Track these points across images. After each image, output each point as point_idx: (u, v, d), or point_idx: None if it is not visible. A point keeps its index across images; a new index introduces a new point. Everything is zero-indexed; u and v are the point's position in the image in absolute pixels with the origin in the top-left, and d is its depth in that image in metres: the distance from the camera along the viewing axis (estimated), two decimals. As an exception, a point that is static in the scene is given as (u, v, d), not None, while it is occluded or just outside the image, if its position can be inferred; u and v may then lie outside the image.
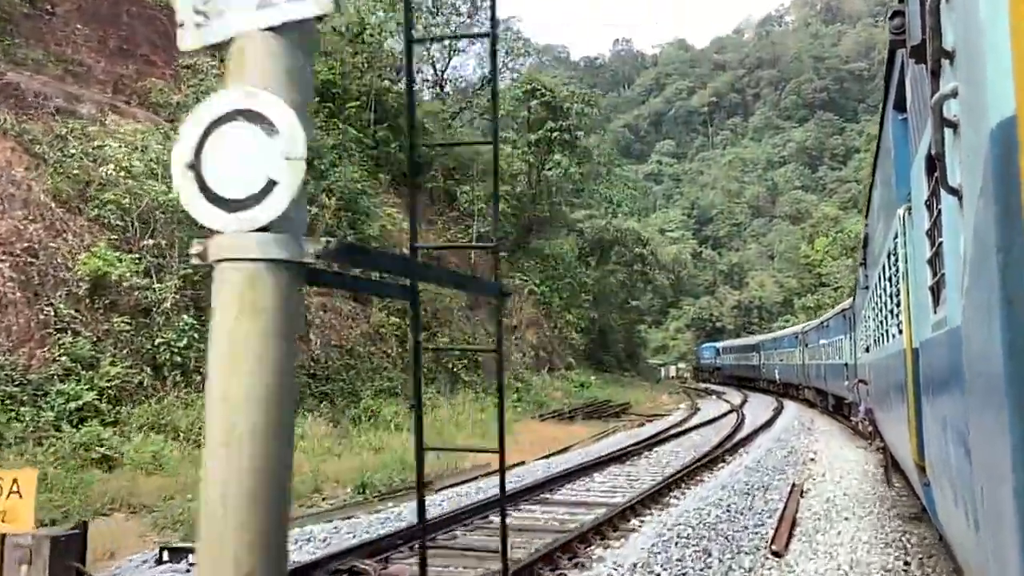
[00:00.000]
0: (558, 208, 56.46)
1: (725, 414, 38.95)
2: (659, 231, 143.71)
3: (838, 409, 32.86)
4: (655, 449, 23.97)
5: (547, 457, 22.36)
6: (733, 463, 20.62)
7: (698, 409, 44.60)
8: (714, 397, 57.96)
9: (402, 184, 45.49)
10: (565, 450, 24.59)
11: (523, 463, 21.46)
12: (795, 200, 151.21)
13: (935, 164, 3.67)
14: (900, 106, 7.07)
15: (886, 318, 9.43)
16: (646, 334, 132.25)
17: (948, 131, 3.36)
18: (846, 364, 26.49)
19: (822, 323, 35.25)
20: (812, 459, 23.52)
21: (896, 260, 7.45)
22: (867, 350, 15.77)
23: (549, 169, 52.94)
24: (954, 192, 3.29)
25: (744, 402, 48.58)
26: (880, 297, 10.19)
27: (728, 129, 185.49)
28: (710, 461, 20.48)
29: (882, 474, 17.58)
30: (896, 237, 7.29)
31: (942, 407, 4.55)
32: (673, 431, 29.76)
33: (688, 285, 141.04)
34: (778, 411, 40.09)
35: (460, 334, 35.99)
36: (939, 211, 4.25)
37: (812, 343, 38.24)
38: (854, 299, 23.13)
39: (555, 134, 53.08)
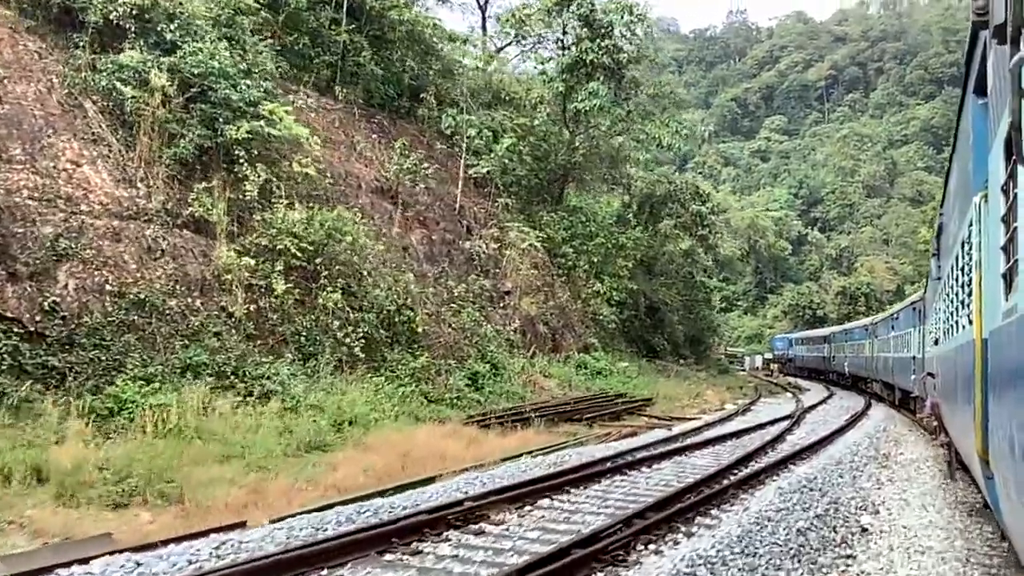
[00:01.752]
0: (596, 151, 44.30)
1: (775, 421, 26.93)
2: (763, 210, 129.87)
3: (904, 403, 30.33)
4: (564, 495, 12.37)
5: (292, 518, 10.89)
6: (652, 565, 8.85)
7: (748, 411, 32.47)
8: (789, 395, 45.28)
9: (374, 105, 34.58)
10: (396, 491, 13.10)
11: (240, 525, 10.23)
12: (916, 181, 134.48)
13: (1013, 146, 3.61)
14: (980, 91, 6.42)
15: (957, 309, 8.97)
16: (739, 319, 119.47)
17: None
18: (914, 357, 24.35)
19: (892, 315, 32.76)
20: (864, 530, 12.04)
21: (970, 249, 7.00)
22: (936, 342, 14.66)
23: (581, 100, 40.91)
24: None
25: (818, 404, 36.43)
26: (952, 288, 9.77)
27: (846, 105, 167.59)
28: (616, 549, 8.89)
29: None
30: (971, 225, 6.84)
31: (1009, 397, 4.41)
32: (662, 448, 18.18)
33: (793, 270, 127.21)
34: (854, 421, 27.98)
35: (380, 292, 24.68)
36: (1015, 195, 4.14)
37: (881, 335, 35.26)
38: (925, 291, 21.69)
39: (592, 56, 41.03)
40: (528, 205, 40.74)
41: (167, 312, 18.53)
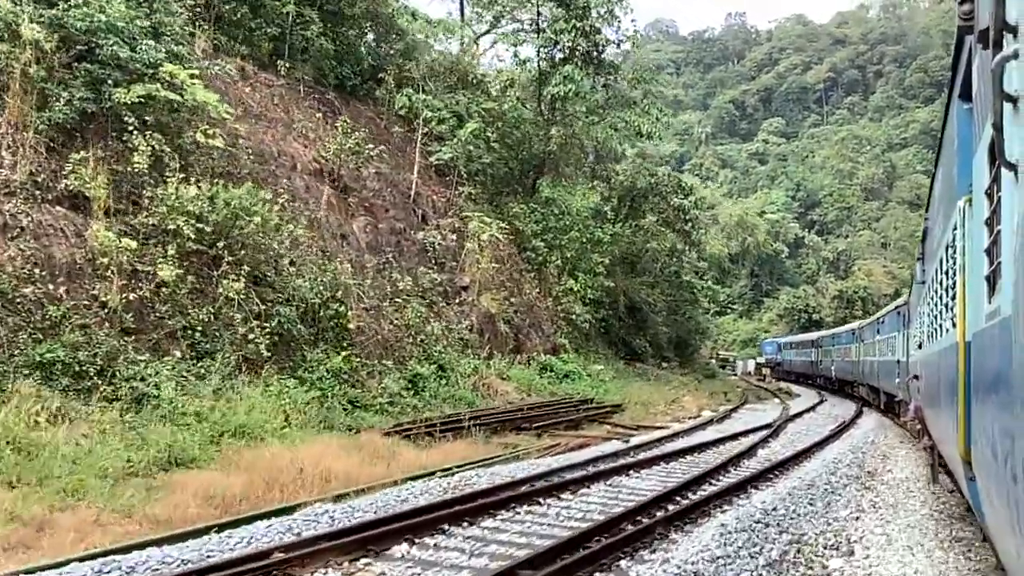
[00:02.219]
0: (574, 140, 41.21)
1: (751, 431, 24.03)
2: (758, 213, 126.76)
3: (889, 407, 29.79)
4: (434, 537, 9.28)
5: None
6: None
7: (726, 419, 29.46)
8: (776, 402, 42.21)
9: (326, 84, 31.60)
10: (224, 527, 10.00)
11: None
12: (915, 185, 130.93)
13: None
14: (966, 96, 6.39)
15: (941, 312, 8.98)
16: (733, 323, 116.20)
17: (1008, 106, 3.38)
18: (898, 361, 23.98)
19: (877, 319, 32.23)
20: (824, 584, 9.02)
21: (954, 252, 6.93)
22: (920, 346, 14.56)
23: (555, 85, 37.88)
24: (1012, 168, 3.34)
25: (806, 412, 33.65)
26: (936, 292, 9.81)
27: (845, 108, 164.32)
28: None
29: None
30: (955, 229, 6.77)
31: (991, 398, 4.43)
32: (605, 465, 15.22)
33: (789, 273, 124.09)
34: (841, 431, 25.27)
35: (303, 283, 21.57)
36: (999, 198, 4.17)
37: (868, 340, 34.86)
38: (909, 295, 21.13)
39: (567, 37, 38.03)
40: (496, 196, 37.66)
41: (18, 300, 15.45)
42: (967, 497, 7.42)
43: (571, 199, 38.91)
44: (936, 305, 9.82)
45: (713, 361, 71.85)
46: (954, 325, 6.88)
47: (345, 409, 20.15)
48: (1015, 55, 3.13)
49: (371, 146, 27.72)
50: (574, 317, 37.19)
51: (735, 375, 75.10)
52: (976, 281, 5.31)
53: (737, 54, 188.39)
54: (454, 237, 31.25)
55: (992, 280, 4.49)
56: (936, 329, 9.92)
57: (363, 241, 26.58)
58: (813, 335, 61.41)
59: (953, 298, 7.12)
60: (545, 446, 19.90)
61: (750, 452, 18.66)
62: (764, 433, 22.92)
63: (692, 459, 17.50)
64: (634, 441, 20.87)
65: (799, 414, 32.15)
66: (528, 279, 36.24)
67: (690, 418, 29.50)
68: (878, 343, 30.49)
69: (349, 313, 22.59)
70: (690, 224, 44.61)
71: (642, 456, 17.24)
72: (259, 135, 25.45)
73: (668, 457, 17.27)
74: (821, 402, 40.94)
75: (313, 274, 22.09)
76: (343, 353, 21.82)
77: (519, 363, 30.45)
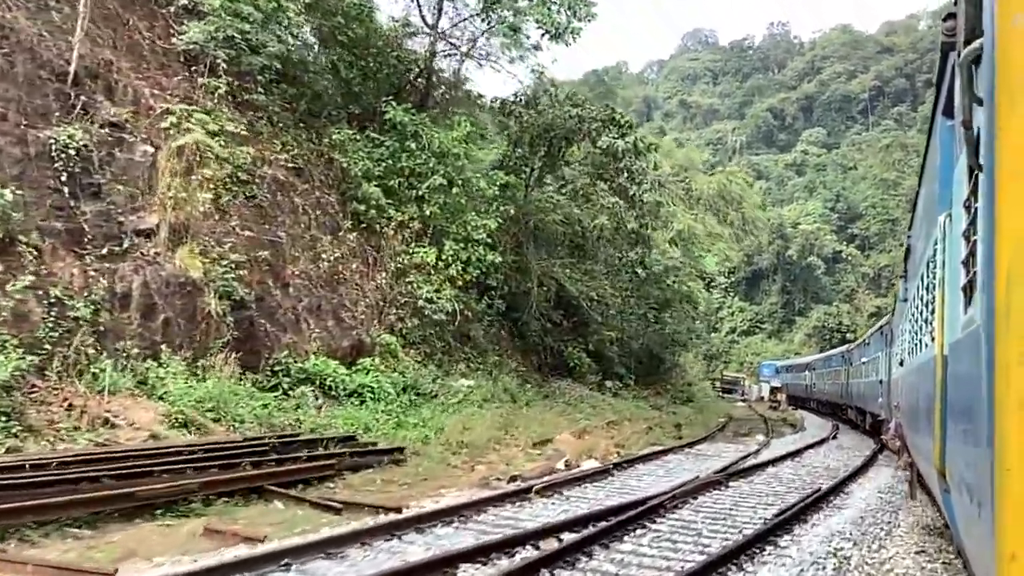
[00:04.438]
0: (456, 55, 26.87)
1: (568, 524, 9.39)
2: (791, 225, 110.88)
3: (875, 429, 25.64)
4: None
5: None
6: None
7: (596, 477, 14.94)
8: (760, 439, 27.24)
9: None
10: None
11: None
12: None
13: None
14: (948, 112, 6.13)
15: (920, 328, 8.87)
16: (762, 343, 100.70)
17: (978, 109, 3.34)
18: (880, 381, 22.61)
19: (863, 341, 29.93)
20: None
21: (934, 267, 6.76)
22: (901, 363, 14.19)
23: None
24: (982, 167, 3.31)
25: (781, 459, 19.31)
26: (916, 308, 9.64)
27: (891, 118, 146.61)
28: None
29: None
30: (935, 244, 6.64)
31: (965, 407, 4.28)
32: None
33: (825, 290, 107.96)
34: (806, 507, 10.57)
35: None
36: (976, 210, 4.07)
37: (855, 362, 31.32)
38: (892, 314, 20.53)
39: None
40: (311, 117, 23.56)
41: None
42: (942, 508, 7.17)
43: (438, 132, 24.57)
44: (917, 321, 9.45)
45: (702, 383, 56.37)
46: (933, 340, 6.68)
47: None
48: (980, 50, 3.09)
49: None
50: (422, 304, 22.79)
51: (744, 401, 59.68)
52: (954, 293, 5.11)
53: (778, 63, 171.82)
54: (150, 149, 17.20)
55: (969, 290, 4.37)
56: (916, 344, 9.56)
57: None
58: (808, 358, 57.69)
59: (932, 312, 6.87)
60: None
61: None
62: (551, 548, 8.38)
63: None
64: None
65: (762, 464, 17.62)
66: (346, 241, 22.06)
67: (523, 478, 14.75)
68: (863, 365, 28.24)
69: None
70: (627, 175, 29.06)
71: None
72: None
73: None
74: (823, 441, 26.20)
75: None
76: None
77: (226, 368, 16.11)
